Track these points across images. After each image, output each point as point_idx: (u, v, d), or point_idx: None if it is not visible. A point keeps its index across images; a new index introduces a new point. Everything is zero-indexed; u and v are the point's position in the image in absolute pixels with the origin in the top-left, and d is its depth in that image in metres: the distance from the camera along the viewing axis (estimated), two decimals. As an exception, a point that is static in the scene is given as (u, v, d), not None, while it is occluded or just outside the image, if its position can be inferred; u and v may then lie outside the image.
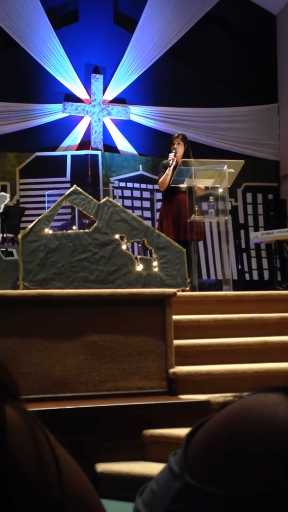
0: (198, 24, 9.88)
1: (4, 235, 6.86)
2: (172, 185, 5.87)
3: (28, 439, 0.51)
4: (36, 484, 0.49)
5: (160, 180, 5.97)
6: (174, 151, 5.95)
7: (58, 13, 9.76)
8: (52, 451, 0.52)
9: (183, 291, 4.75)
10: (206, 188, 6.00)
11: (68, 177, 9.34)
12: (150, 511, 0.52)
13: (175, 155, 5.91)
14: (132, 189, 9.57)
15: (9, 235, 7.10)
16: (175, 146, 6.01)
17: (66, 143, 9.67)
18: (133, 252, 5.60)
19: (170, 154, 5.97)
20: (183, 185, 5.85)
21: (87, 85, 9.81)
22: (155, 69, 9.90)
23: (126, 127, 9.83)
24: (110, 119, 9.84)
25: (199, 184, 5.86)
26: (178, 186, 5.87)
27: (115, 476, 3.13)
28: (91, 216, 4.78)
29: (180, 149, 6.00)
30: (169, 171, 5.86)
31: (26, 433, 0.51)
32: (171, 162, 5.89)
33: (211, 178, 5.92)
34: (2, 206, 5.84)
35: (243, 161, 6.17)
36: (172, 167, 5.86)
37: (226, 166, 5.86)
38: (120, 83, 9.87)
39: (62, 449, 0.54)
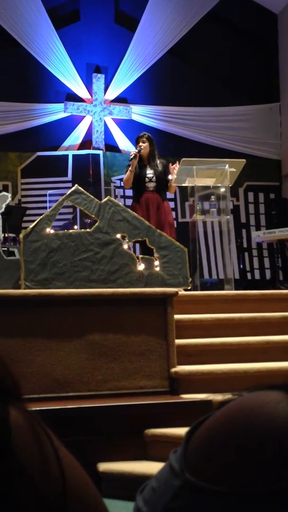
0: (199, 23, 9.87)
1: (6, 235, 6.86)
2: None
3: (31, 441, 0.51)
4: (39, 485, 0.50)
5: (124, 179, 5.90)
6: (139, 148, 5.83)
7: (60, 12, 9.76)
8: (55, 452, 0.53)
9: (184, 290, 4.75)
10: (208, 187, 6.00)
11: (69, 176, 9.34)
12: (150, 509, 0.52)
13: (139, 152, 5.80)
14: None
15: (11, 234, 7.11)
16: (140, 144, 5.89)
17: (67, 142, 9.67)
18: (134, 251, 5.59)
19: (131, 151, 5.90)
20: (152, 184, 5.79)
21: (88, 84, 9.80)
22: (157, 69, 9.90)
23: (128, 126, 9.82)
24: (112, 118, 9.84)
25: (200, 183, 5.86)
26: (145, 185, 5.80)
27: (117, 475, 3.13)
28: (93, 216, 4.79)
29: (145, 147, 5.88)
30: (131, 168, 5.77)
31: (30, 435, 0.52)
32: (132, 157, 5.78)
33: (212, 178, 5.92)
34: (4, 205, 5.84)
35: (244, 160, 6.17)
36: (133, 164, 5.73)
37: (227, 165, 5.87)
38: (121, 82, 9.86)
39: (65, 450, 0.55)
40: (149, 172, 5.83)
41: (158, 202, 5.79)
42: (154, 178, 5.81)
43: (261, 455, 0.47)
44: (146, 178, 5.81)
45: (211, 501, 0.48)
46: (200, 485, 0.48)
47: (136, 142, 6.00)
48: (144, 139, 5.90)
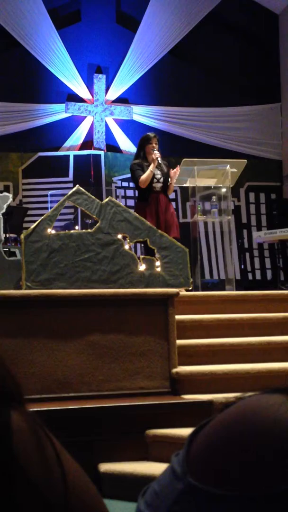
0: (200, 23, 9.88)
1: (7, 235, 6.86)
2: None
3: (33, 444, 0.51)
4: (41, 487, 0.50)
5: (144, 177, 5.76)
6: (155, 149, 5.73)
7: (61, 13, 9.77)
8: (57, 455, 0.53)
9: (186, 290, 4.75)
10: (209, 187, 6.00)
11: (70, 177, 9.34)
12: (152, 512, 0.52)
13: (159, 153, 5.78)
14: (134, 189, 9.56)
15: (12, 235, 7.11)
16: (154, 145, 5.84)
17: (68, 143, 9.67)
18: (135, 252, 5.58)
19: (155, 152, 5.82)
20: (159, 185, 5.75)
21: (89, 85, 9.81)
22: (158, 69, 9.90)
23: (129, 127, 9.83)
24: (113, 119, 9.84)
25: (201, 184, 5.86)
26: (152, 185, 5.77)
27: (118, 476, 3.13)
28: (94, 216, 4.79)
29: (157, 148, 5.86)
30: (153, 168, 5.69)
31: (31, 438, 0.52)
32: (159, 159, 5.68)
33: (213, 178, 5.92)
34: (5, 206, 5.85)
35: (245, 160, 6.18)
36: (155, 165, 5.68)
37: (228, 165, 5.87)
38: (122, 82, 9.87)
39: (66, 452, 0.55)
40: (157, 173, 5.80)
41: (166, 202, 5.77)
42: (161, 178, 5.79)
43: (263, 458, 0.47)
44: (155, 179, 5.79)
45: (214, 504, 0.47)
46: (203, 488, 0.48)
47: (145, 141, 5.90)
48: (156, 140, 5.87)
